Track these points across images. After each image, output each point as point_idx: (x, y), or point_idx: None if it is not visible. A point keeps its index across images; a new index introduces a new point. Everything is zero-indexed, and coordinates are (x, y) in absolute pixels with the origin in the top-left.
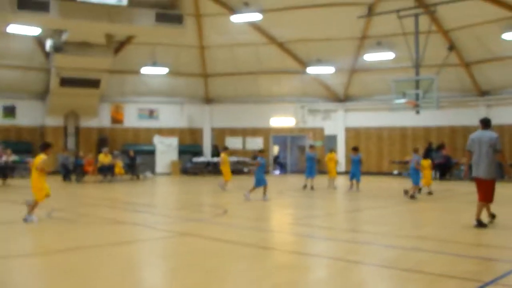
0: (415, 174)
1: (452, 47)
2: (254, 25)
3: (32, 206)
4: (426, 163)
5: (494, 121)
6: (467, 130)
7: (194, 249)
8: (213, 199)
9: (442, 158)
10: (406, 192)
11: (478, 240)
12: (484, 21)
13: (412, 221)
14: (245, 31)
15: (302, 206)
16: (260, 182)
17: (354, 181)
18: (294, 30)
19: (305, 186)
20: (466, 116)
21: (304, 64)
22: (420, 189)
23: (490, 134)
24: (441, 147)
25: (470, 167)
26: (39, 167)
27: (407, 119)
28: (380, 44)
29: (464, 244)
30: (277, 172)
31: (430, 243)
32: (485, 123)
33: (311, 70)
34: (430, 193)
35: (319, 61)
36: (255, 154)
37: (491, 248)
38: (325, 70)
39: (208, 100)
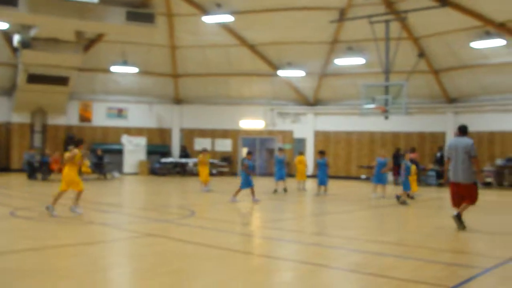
0: (405, 180)
1: (422, 54)
2: (226, 27)
3: (77, 197)
4: (413, 168)
5: None
6: (435, 136)
7: (161, 250)
8: (181, 200)
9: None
10: (398, 197)
11: (444, 246)
12: (453, 29)
13: (379, 225)
14: (216, 32)
15: (271, 209)
16: (247, 184)
17: (322, 186)
18: (266, 33)
19: (275, 191)
20: (434, 122)
21: (275, 67)
22: (409, 195)
23: (466, 140)
24: (412, 152)
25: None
26: (67, 160)
27: (376, 124)
28: (351, 49)
29: (430, 249)
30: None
31: (397, 248)
32: (462, 130)
33: (282, 73)
34: (412, 197)
35: (290, 65)
36: (244, 157)
37: (456, 254)
38: (295, 74)
39: (177, 100)
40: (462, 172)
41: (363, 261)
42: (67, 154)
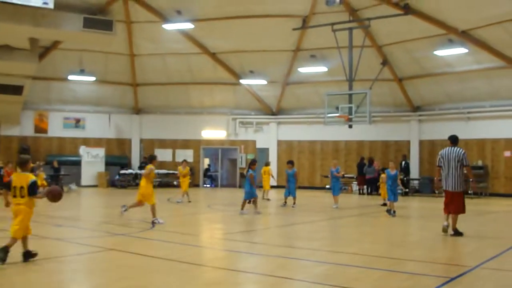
0: (389, 190)
1: (385, 62)
2: (186, 34)
3: (153, 211)
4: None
5: (426, 136)
6: (399, 145)
7: (121, 264)
8: (141, 213)
9: (374, 173)
10: (388, 211)
11: (409, 255)
12: (416, 37)
13: (344, 236)
14: (177, 40)
15: (233, 220)
16: (251, 195)
17: (290, 197)
18: (227, 40)
19: (285, 203)
20: (399, 131)
21: (237, 75)
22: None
23: (457, 150)
24: (371, 162)
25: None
26: (144, 175)
27: (340, 133)
28: (314, 57)
29: (395, 259)
30: (207, 185)
31: (361, 258)
32: (453, 141)
33: (244, 81)
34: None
35: (252, 73)
36: (248, 167)
37: (421, 263)
38: (258, 82)
39: (137, 110)
40: (452, 181)
41: (327, 272)
42: (146, 170)
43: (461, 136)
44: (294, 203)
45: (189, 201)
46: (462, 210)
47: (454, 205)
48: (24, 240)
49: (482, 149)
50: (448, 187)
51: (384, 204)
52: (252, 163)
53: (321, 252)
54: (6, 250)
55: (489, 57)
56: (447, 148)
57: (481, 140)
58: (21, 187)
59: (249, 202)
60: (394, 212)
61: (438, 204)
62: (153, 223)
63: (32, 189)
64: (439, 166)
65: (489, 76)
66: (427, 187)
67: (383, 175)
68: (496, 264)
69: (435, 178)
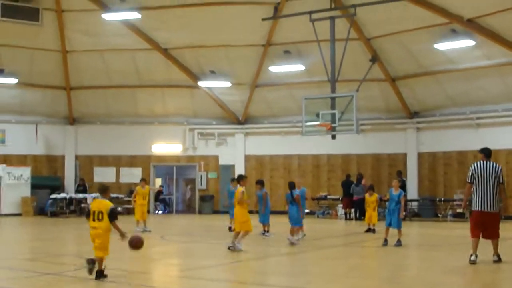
0: (388, 215)
1: (375, 59)
2: (132, 26)
3: (242, 235)
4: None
5: (425, 148)
6: (394, 159)
7: None
8: (77, 247)
9: (363, 192)
10: (398, 243)
11: None
12: (413, 28)
13: (328, 270)
14: (120, 33)
15: (192, 253)
16: (298, 220)
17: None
18: (183, 33)
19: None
20: (393, 141)
21: (194, 76)
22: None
23: (494, 165)
24: (360, 179)
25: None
26: (239, 200)
27: (322, 146)
28: (288, 53)
29: None
30: (159, 211)
31: None
32: (487, 154)
33: (203, 84)
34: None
35: (213, 73)
36: (292, 188)
37: None
38: (220, 85)
39: (71, 119)
40: (490, 200)
41: None
42: (238, 194)
43: (468, 146)
44: (267, 230)
45: (150, 231)
46: (498, 234)
47: (495, 228)
48: (101, 261)
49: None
50: (485, 207)
51: (369, 230)
52: (291, 185)
53: None
54: (93, 261)
55: (501, 51)
56: (480, 162)
57: (493, 151)
58: (100, 212)
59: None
60: (399, 241)
61: (442, 230)
62: (232, 247)
63: (112, 214)
64: (471, 182)
65: (501, 74)
66: (428, 209)
67: (368, 197)
68: None
69: (464, 197)
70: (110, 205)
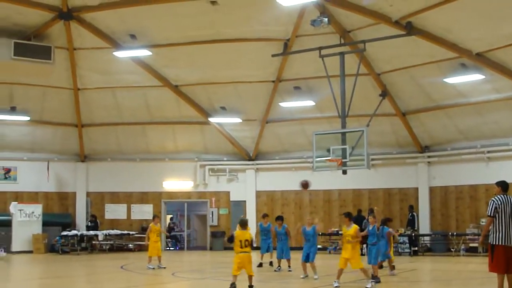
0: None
1: (385, 93)
2: (143, 63)
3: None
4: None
5: (437, 182)
6: (405, 193)
7: None
8: (90, 285)
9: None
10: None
11: None
12: (422, 62)
13: None
14: (131, 70)
15: None
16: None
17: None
18: (192, 70)
19: (260, 265)
20: (404, 176)
21: (205, 113)
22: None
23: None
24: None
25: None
26: (357, 238)
27: (333, 181)
28: (298, 88)
29: None
30: (171, 247)
31: None
32: (505, 188)
33: (214, 120)
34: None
35: (223, 110)
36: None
37: None
38: (231, 121)
39: (82, 157)
40: None
41: None
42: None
43: (479, 181)
44: (288, 266)
45: (164, 267)
46: None
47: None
48: (250, 278)
49: None
50: (510, 241)
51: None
52: (371, 213)
53: None
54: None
55: (510, 84)
56: (502, 196)
57: None
58: (246, 240)
59: (380, 267)
60: (375, 278)
61: (455, 265)
62: (373, 278)
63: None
64: (493, 216)
65: (511, 107)
66: (441, 244)
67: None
68: None
69: (484, 231)
70: (251, 235)
